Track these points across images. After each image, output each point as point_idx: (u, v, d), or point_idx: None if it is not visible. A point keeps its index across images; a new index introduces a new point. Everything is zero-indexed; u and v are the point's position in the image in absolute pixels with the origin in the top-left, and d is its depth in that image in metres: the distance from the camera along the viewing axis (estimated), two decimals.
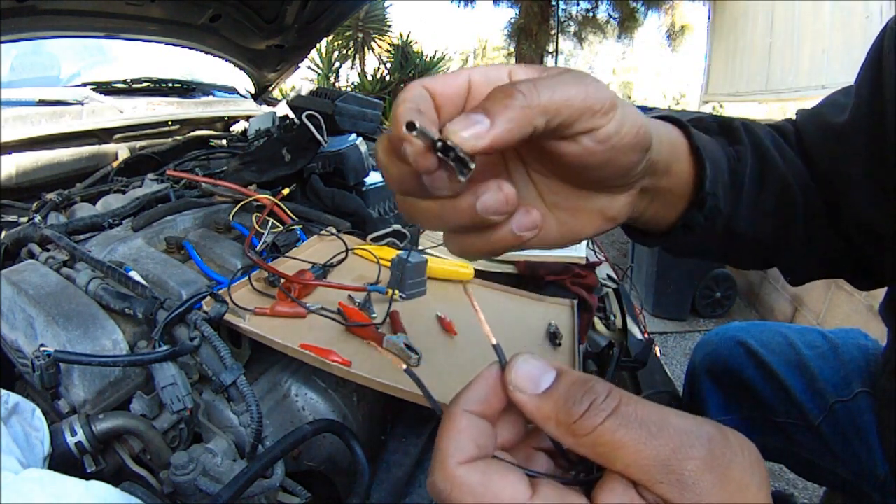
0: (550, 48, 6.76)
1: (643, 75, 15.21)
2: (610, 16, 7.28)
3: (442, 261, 0.94)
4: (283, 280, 0.76)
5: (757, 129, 0.49)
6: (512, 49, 7.13)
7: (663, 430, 0.21)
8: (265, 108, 1.75)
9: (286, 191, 1.07)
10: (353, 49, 6.41)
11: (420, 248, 0.98)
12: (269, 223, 0.92)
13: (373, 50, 6.46)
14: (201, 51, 1.53)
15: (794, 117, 0.54)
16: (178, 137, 1.43)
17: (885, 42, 0.45)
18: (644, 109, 0.42)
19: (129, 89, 1.40)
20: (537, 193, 0.34)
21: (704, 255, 0.50)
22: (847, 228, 0.49)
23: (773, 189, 0.47)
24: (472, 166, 0.25)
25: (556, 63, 6.51)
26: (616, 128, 0.29)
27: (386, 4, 6.49)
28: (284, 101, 1.73)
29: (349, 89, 4.89)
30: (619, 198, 0.35)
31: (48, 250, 0.76)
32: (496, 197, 0.27)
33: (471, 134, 0.25)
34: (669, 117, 0.42)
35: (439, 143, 0.25)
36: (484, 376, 0.26)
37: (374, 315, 0.76)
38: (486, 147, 0.25)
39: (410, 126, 0.24)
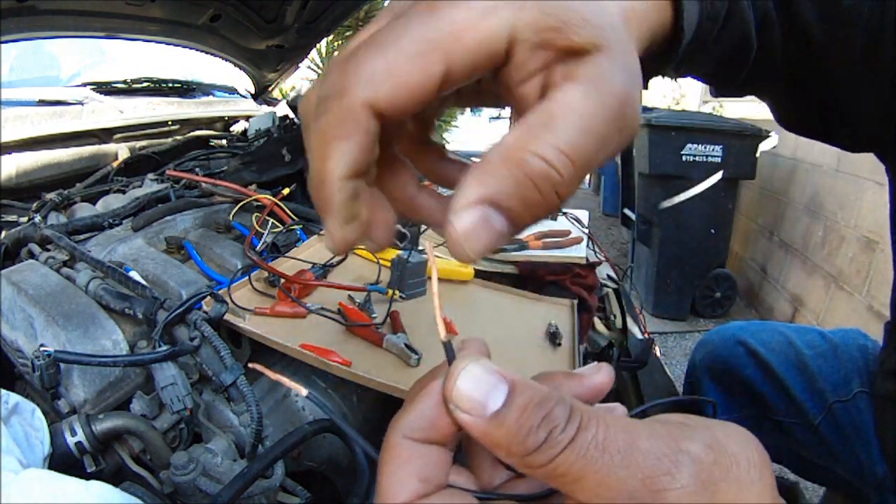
0: None
1: None
2: None
3: (442, 261, 0.94)
4: (283, 280, 0.76)
5: None
6: None
7: (629, 457, 0.18)
8: (265, 108, 1.75)
9: (286, 191, 1.07)
10: None
11: (420, 248, 0.98)
12: (269, 223, 0.92)
13: None
14: (201, 51, 1.53)
15: None
16: (178, 137, 1.43)
17: None
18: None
19: (129, 89, 1.39)
20: None
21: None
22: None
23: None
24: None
25: None
26: None
27: (386, 4, 6.50)
28: (284, 101, 1.73)
29: None
30: None
31: (48, 250, 0.76)
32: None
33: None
34: None
35: None
36: (430, 392, 0.21)
37: (374, 315, 0.76)
38: None
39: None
